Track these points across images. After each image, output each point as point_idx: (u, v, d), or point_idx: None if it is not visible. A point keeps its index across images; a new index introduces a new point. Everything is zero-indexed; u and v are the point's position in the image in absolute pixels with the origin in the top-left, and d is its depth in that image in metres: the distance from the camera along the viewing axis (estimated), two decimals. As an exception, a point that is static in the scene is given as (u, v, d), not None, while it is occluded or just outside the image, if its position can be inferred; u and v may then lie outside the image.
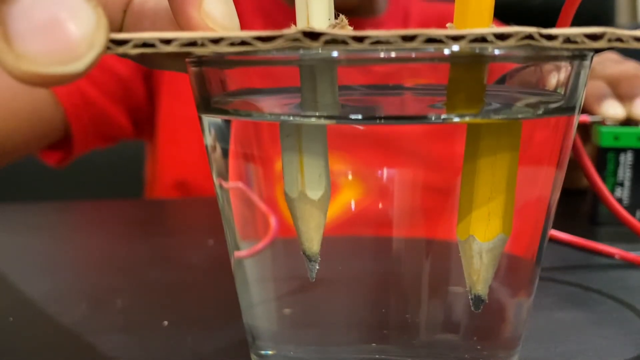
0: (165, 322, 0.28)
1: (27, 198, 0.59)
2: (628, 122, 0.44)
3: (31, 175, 0.74)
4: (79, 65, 0.13)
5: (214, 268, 0.36)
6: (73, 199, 0.60)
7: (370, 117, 0.18)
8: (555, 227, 0.22)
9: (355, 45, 0.15)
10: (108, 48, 0.14)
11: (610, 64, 0.50)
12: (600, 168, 0.43)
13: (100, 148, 0.65)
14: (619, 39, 0.15)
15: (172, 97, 0.64)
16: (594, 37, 0.15)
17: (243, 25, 0.18)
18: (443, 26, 0.16)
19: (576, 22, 0.19)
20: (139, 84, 0.64)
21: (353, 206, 0.20)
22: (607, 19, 1.01)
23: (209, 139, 0.21)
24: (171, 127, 0.65)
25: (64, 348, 0.26)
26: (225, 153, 0.21)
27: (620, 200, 0.43)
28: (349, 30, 0.15)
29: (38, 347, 0.26)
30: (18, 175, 0.75)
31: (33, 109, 0.56)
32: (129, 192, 0.80)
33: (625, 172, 0.43)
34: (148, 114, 0.66)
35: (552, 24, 0.19)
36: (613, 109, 0.44)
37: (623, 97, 0.45)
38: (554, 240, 0.35)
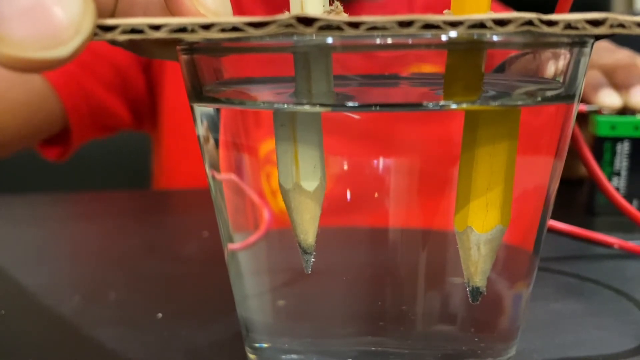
0: (159, 315, 0.27)
1: (30, 190, 0.58)
2: (624, 111, 0.44)
3: (34, 167, 0.74)
4: (64, 50, 0.13)
5: (208, 260, 0.35)
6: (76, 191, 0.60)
7: (366, 105, 0.18)
8: (551, 217, 0.21)
9: (350, 32, 0.14)
10: (95, 34, 0.14)
11: (604, 53, 0.50)
12: (597, 157, 0.43)
13: (99, 138, 0.64)
14: (621, 25, 0.15)
15: (177, 87, 0.63)
16: (595, 23, 0.15)
17: (244, 15, 0.18)
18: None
19: (572, 11, 0.19)
20: (137, 74, 0.64)
21: (349, 197, 0.19)
22: (602, 8, 1.00)
23: (201, 129, 0.20)
24: (177, 118, 0.64)
25: (57, 341, 0.25)
26: (218, 144, 0.20)
27: (617, 190, 0.42)
28: (344, 16, 0.14)
29: (30, 339, 0.25)
30: (20, 168, 0.75)
31: (30, 101, 0.55)
32: (134, 184, 0.80)
33: (622, 162, 0.43)
34: (148, 104, 0.65)
35: (550, 12, 0.18)
36: (610, 98, 0.44)
37: (619, 86, 0.45)
38: (550, 230, 0.35)
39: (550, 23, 0.15)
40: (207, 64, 0.19)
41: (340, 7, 0.18)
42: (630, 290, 0.30)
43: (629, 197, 0.43)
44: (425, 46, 0.16)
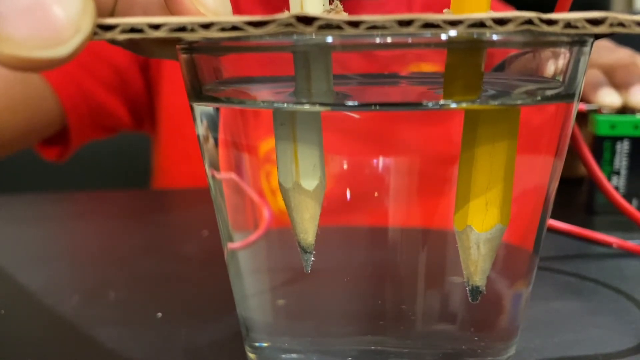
0: (159, 314, 0.27)
1: (30, 190, 0.58)
2: (624, 110, 0.44)
3: (34, 167, 0.74)
4: (64, 50, 0.13)
5: (208, 259, 0.35)
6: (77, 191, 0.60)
7: (365, 104, 0.18)
8: (551, 216, 0.21)
9: (350, 31, 0.14)
10: (95, 33, 0.14)
11: (604, 52, 0.50)
12: (597, 157, 0.43)
13: (98, 139, 0.64)
14: (621, 24, 0.15)
15: (175, 87, 0.63)
16: (595, 22, 0.15)
17: (242, 14, 0.18)
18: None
19: (572, 10, 0.19)
20: (136, 74, 0.64)
21: (349, 196, 0.19)
22: (602, 7, 1.00)
23: (200, 128, 0.20)
24: (175, 117, 0.64)
25: (56, 341, 0.25)
26: (217, 143, 0.20)
27: (616, 189, 0.42)
28: (344, 16, 0.14)
29: (30, 340, 0.25)
30: (20, 168, 0.75)
31: (28, 101, 0.55)
32: (134, 184, 0.79)
33: (621, 161, 0.43)
34: (147, 104, 0.65)
35: (550, 11, 0.18)
36: (609, 98, 0.44)
37: (619, 86, 0.45)
38: (550, 230, 0.35)
39: (550, 22, 0.15)
40: (206, 63, 0.19)
41: (340, 6, 0.18)
42: (629, 290, 0.30)
43: (628, 196, 0.43)
44: (424, 45, 0.16)
